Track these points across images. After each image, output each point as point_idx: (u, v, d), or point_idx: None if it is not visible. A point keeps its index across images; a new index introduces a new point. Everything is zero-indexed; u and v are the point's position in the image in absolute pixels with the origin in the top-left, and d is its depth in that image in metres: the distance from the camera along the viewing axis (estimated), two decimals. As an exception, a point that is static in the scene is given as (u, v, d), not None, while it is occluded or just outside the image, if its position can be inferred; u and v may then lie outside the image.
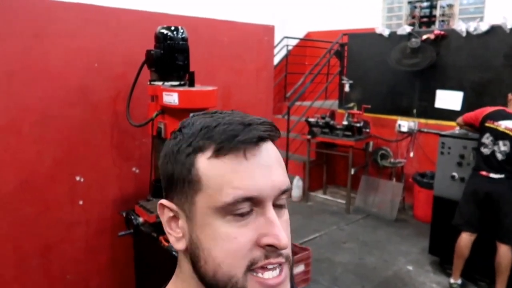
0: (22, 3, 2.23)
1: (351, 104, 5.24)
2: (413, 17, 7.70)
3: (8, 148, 2.25)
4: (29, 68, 2.27)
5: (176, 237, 0.56)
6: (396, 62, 4.99)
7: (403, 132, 5.20)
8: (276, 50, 6.30)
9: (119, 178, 2.68)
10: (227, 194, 0.50)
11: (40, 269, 2.43)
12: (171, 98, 2.11)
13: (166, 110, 2.26)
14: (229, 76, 3.23)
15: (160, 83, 2.25)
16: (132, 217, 2.09)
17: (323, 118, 5.20)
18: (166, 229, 0.57)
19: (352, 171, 4.97)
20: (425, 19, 7.89)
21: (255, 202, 0.51)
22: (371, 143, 5.33)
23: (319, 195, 5.76)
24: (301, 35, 8.09)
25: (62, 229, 2.48)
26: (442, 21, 7.43)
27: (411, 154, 5.16)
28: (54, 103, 2.36)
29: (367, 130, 5.03)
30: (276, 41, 4.21)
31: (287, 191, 0.54)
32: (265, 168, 0.52)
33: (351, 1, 8.00)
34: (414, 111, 5.15)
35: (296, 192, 5.53)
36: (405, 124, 5.14)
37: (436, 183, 3.74)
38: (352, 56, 5.86)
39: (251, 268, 0.51)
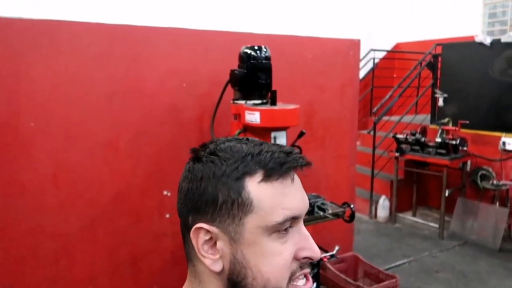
0: (122, 30, 2.45)
1: (446, 120, 4.82)
2: (520, 22, 6.93)
3: (107, 162, 2.45)
4: (128, 90, 2.47)
5: (213, 259, 0.59)
6: (501, 73, 4.49)
7: (509, 151, 4.62)
8: (362, 63, 6.09)
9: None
10: (278, 215, 0.57)
11: (131, 278, 2.59)
12: (253, 117, 2.13)
13: (248, 128, 2.28)
14: (312, 93, 3.19)
15: (243, 101, 2.28)
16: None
17: (413, 134, 4.86)
18: (200, 252, 0.60)
19: (447, 193, 4.54)
20: (535, 24, 7.05)
21: (293, 220, 0.58)
22: (469, 162, 4.84)
23: (408, 216, 5.37)
24: (389, 47, 7.74)
25: (151, 240, 2.62)
26: (557, 25, 6.56)
27: (519, 176, 4.57)
28: (148, 121, 2.53)
29: (464, 148, 4.58)
30: (362, 54, 4.06)
31: None
32: (301, 191, 0.61)
33: (445, 8, 7.48)
34: (522, 127, 4.56)
35: (382, 212, 5.22)
36: (511, 141, 4.57)
37: (551, 212, 3.23)
38: (447, 67, 5.41)
39: (291, 278, 0.59)
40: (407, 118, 6.04)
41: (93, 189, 2.43)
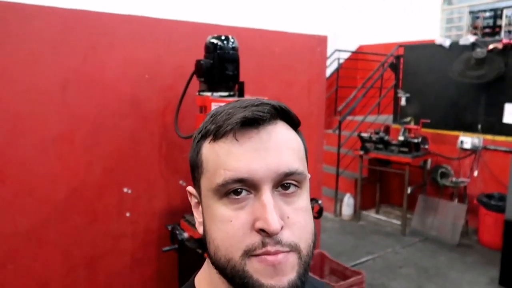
0: (79, 15, 2.28)
1: (408, 119, 4.94)
2: (475, 28, 7.24)
3: (60, 156, 2.27)
4: (84, 79, 2.30)
5: (198, 221, 0.59)
6: (459, 74, 4.65)
7: (466, 149, 4.80)
8: (327, 63, 6.15)
9: (166, 191, 2.63)
10: (219, 176, 0.51)
11: (87, 281, 2.42)
12: (220, 109, 2.03)
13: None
14: (280, 87, 3.13)
15: (209, 93, 2.18)
16: (177, 232, 2.01)
17: (376, 133, 4.94)
18: (194, 214, 0.61)
19: (409, 190, 4.64)
20: (488, 30, 7.39)
21: (249, 185, 0.51)
22: (429, 160, 4.98)
23: (371, 214, 5.45)
24: (353, 48, 7.87)
25: (109, 241, 2.46)
26: (509, 31, 6.91)
27: (475, 173, 4.74)
28: (106, 114, 2.37)
29: (426, 147, 4.70)
30: (327, 54, 4.06)
31: (291, 175, 0.52)
32: (261, 151, 0.51)
33: (406, 13, 7.71)
34: (479, 126, 4.75)
35: (347, 210, 5.26)
36: (468, 140, 4.75)
37: (508, 206, 3.36)
38: (409, 68, 5.56)
39: (250, 254, 0.50)
40: (370, 118, 6.16)
41: (45, 186, 2.24)
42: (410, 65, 5.52)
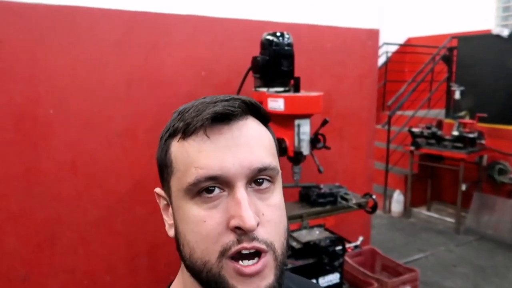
0: (140, 16, 2.40)
1: (463, 113, 4.74)
2: (536, 16, 6.80)
3: (125, 151, 2.42)
4: (145, 77, 2.43)
5: (169, 224, 0.57)
6: (519, 65, 4.40)
7: (526, 145, 4.55)
8: (375, 57, 6.02)
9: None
10: (190, 175, 0.50)
11: (148, 268, 2.56)
12: (277, 104, 2.08)
13: (271, 117, 2.23)
14: (330, 83, 3.13)
15: (265, 89, 2.23)
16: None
17: (428, 128, 4.80)
18: (164, 217, 0.59)
19: (463, 187, 4.47)
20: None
21: (222, 182, 0.49)
22: (485, 156, 4.76)
23: (422, 211, 5.30)
24: (401, 41, 7.64)
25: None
26: None
27: (537, 170, 4.49)
28: (166, 110, 2.49)
29: (482, 142, 4.50)
30: (377, 47, 3.99)
31: (265, 170, 0.51)
32: (233, 147, 0.50)
33: (458, 3, 7.36)
34: (541, 121, 4.48)
35: (397, 207, 5.15)
36: (529, 135, 4.50)
37: None
38: (463, 60, 5.33)
39: (227, 254, 0.48)
40: (421, 113, 5.97)
41: (111, 179, 2.40)
42: (465, 57, 5.29)
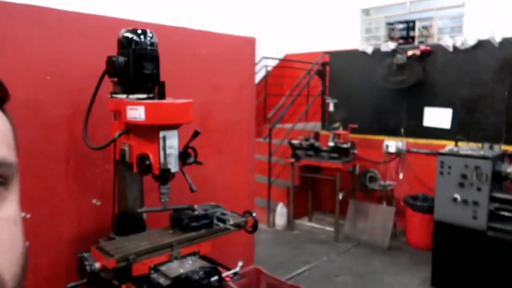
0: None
1: (337, 124, 4.97)
2: (391, 38, 7.65)
3: None
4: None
5: None
6: (383, 79, 4.78)
7: (391, 153, 4.95)
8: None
9: (77, 213, 2.23)
10: None
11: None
12: (137, 113, 1.73)
13: (132, 129, 1.87)
14: (207, 92, 2.88)
15: (123, 96, 1.87)
16: (86, 262, 1.66)
17: (306, 140, 4.91)
18: None
19: (340, 196, 4.64)
20: (402, 40, 7.85)
21: None
22: (357, 165, 5.05)
23: (305, 222, 5.39)
24: (279, 57, 7.90)
25: (2, 278, 2.00)
26: (421, 42, 7.39)
27: (400, 176, 4.89)
28: (-6, 123, 1.94)
29: (355, 152, 4.75)
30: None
31: None
32: None
33: (328, 24, 7.91)
34: (402, 130, 4.92)
35: (281, 220, 5.13)
36: (392, 144, 4.90)
37: (436, 207, 3.43)
38: (335, 75, 5.65)
39: None
40: (299, 125, 6.16)
41: None
42: (336, 72, 5.61)
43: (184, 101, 1.80)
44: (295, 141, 4.88)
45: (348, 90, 5.40)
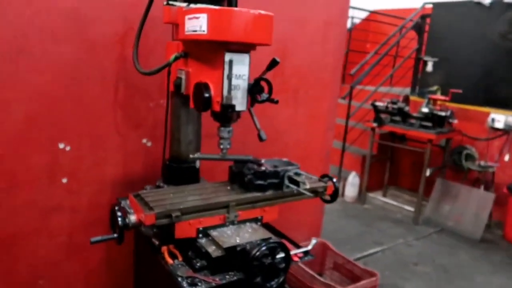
0: None
1: (434, 88, 4.18)
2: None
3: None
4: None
5: None
6: (501, 36, 3.88)
7: (497, 129, 4.10)
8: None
9: (123, 152, 1.90)
10: None
11: (3, 270, 1.71)
12: (197, 24, 1.27)
13: (191, 51, 1.43)
14: (287, 27, 2.36)
15: (183, 4, 1.42)
16: (119, 213, 1.30)
17: (394, 103, 4.20)
18: None
19: (428, 172, 3.95)
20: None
21: None
22: (451, 139, 4.28)
23: (378, 197, 4.78)
24: (369, 9, 6.99)
25: (36, 216, 1.74)
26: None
27: (506, 158, 4.05)
28: (32, 34, 1.60)
29: (452, 122, 3.97)
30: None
31: None
32: None
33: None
34: (516, 103, 4.02)
35: (351, 191, 4.58)
36: (501, 118, 4.04)
37: None
38: (437, 30, 4.75)
39: None
40: (383, 89, 5.41)
41: None
42: (439, 27, 4.72)
43: (261, 12, 1.30)
44: (380, 103, 4.21)
45: (451, 49, 4.52)
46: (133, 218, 1.31)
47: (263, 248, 1.23)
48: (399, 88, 5.74)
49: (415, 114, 4.03)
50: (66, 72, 1.69)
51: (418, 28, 4.99)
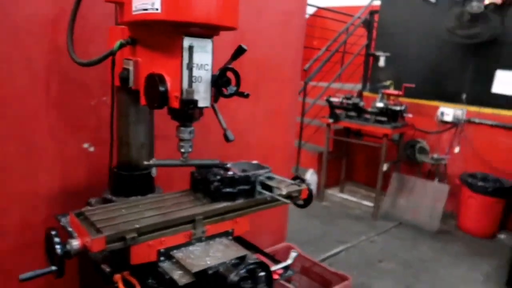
0: None
1: (388, 82, 4.20)
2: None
3: None
4: None
5: None
6: (449, 31, 3.96)
7: (446, 122, 4.20)
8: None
9: (61, 159, 1.60)
10: None
11: None
12: (148, 1, 1.04)
13: (140, 37, 1.20)
14: (245, 15, 2.15)
15: (130, -22, 1.17)
16: (56, 239, 1.03)
17: (348, 98, 4.16)
18: None
19: (385, 167, 3.94)
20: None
21: None
22: (403, 133, 4.33)
23: (336, 193, 4.75)
24: (318, 4, 6.97)
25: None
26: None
27: (456, 150, 4.16)
28: None
29: (409, 116, 3.99)
30: None
31: None
32: None
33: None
34: (464, 96, 4.13)
35: (309, 189, 4.48)
36: (449, 112, 4.14)
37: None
38: (386, 26, 4.79)
39: None
40: (336, 86, 5.40)
41: None
42: (388, 22, 4.76)
43: (226, -11, 1.09)
44: (334, 99, 4.15)
45: (401, 44, 4.57)
46: (75, 244, 1.04)
47: (242, 271, 1.02)
48: (351, 84, 5.75)
49: (370, 109, 4.02)
50: (-17, 65, 1.37)
51: (368, 24, 5.02)
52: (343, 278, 2.26)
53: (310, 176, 4.49)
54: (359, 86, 5.38)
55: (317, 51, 4.93)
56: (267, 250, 2.60)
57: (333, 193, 4.73)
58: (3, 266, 1.52)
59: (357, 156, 4.97)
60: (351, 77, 5.88)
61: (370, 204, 4.29)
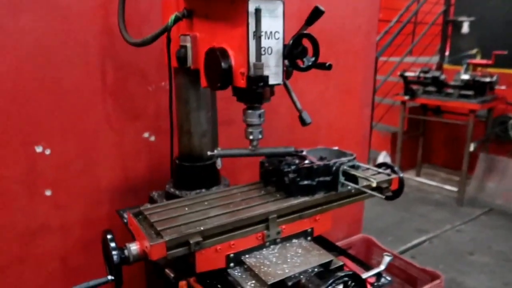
0: None
1: (474, 51, 3.69)
2: None
3: None
4: None
5: None
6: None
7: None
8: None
9: (121, 151, 1.50)
10: None
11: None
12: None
13: (197, 7, 1.02)
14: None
15: None
16: (112, 245, 0.90)
17: (425, 72, 3.72)
18: None
19: (472, 147, 3.49)
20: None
21: None
22: (493, 109, 3.80)
23: (412, 177, 4.36)
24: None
25: (17, 239, 1.36)
26: None
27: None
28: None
29: (501, 88, 3.48)
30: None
31: None
32: None
33: None
34: None
35: (382, 173, 4.15)
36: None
37: None
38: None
39: None
40: (409, 60, 4.91)
41: None
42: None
43: None
44: (410, 73, 3.74)
45: (486, 6, 3.99)
46: (134, 248, 0.91)
47: (330, 280, 0.82)
48: (425, 58, 5.22)
49: (452, 83, 3.56)
50: (34, 54, 1.28)
51: (446, -15, 4.46)
52: (433, 276, 1.98)
53: (384, 158, 4.15)
54: (435, 59, 4.86)
55: (384, 24, 4.49)
56: (342, 242, 2.39)
57: (409, 176, 4.35)
58: (69, 263, 1.47)
59: (436, 135, 4.50)
60: (425, 49, 5.33)
61: (452, 188, 3.86)
